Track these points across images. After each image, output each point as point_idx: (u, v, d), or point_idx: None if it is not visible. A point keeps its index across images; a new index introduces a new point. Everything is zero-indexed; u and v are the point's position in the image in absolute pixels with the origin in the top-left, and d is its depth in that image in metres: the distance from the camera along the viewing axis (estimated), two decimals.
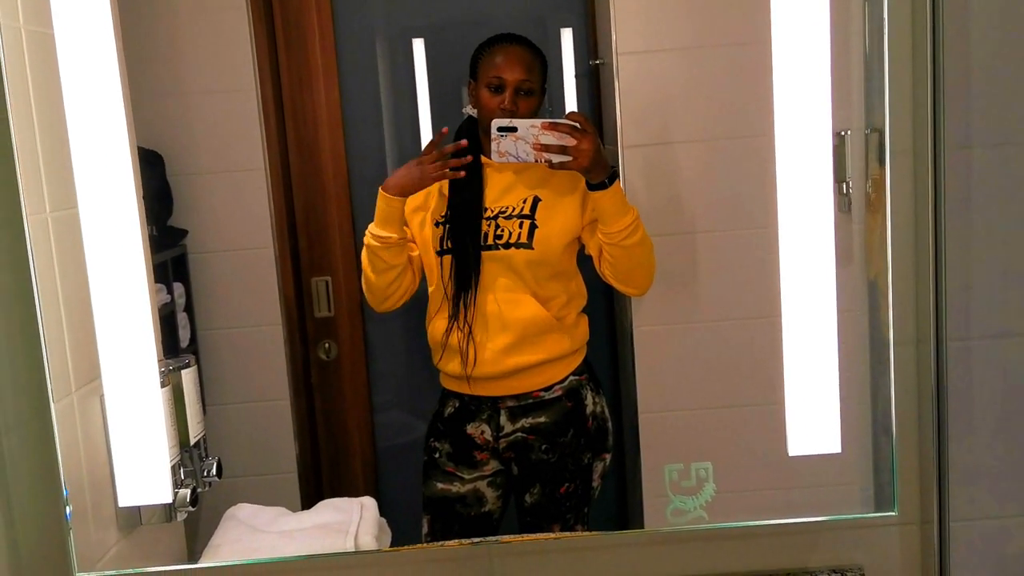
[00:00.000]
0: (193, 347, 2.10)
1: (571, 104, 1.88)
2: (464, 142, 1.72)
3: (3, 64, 1.01)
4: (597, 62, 2.18)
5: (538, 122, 1.62)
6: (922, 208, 1.11)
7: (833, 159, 1.52)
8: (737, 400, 1.96)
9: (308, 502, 2.11)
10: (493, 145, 1.63)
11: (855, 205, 1.43)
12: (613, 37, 1.90)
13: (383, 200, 1.72)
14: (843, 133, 1.47)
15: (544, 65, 1.78)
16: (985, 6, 1.18)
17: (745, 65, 1.85)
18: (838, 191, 1.52)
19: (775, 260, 1.24)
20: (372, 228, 1.74)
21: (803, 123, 1.12)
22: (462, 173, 1.71)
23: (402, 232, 1.72)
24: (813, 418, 1.07)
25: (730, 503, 1.59)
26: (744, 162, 1.87)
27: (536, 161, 1.63)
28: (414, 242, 1.80)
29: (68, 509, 1.07)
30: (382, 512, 1.68)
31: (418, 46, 2.34)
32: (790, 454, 1.06)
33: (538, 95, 1.76)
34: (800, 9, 1.09)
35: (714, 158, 1.91)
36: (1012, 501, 1.28)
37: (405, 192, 1.72)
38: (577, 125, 1.62)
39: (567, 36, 2.28)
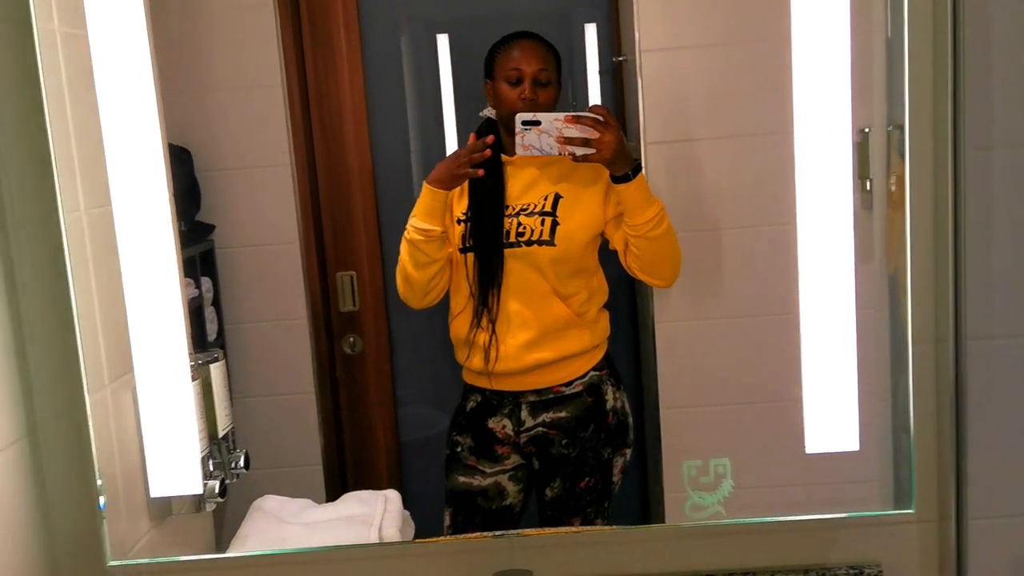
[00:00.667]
0: (220, 341, 2.13)
1: (595, 100, 1.89)
2: (491, 138, 1.73)
3: (40, 66, 1.04)
4: (620, 59, 2.18)
5: (561, 115, 1.63)
6: (942, 207, 1.11)
7: (856, 156, 1.52)
8: (758, 396, 1.96)
9: (332, 494, 2.13)
10: (517, 139, 1.64)
11: (877, 202, 1.44)
12: (636, 34, 1.90)
13: (427, 192, 1.73)
14: (866, 130, 1.47)
15: (559, 59, 1.80)
16: (1006, 6, 1.18)
17: (767, 62, 1.85)
18: (860, 188, 1.52)
19: (796, 257, 1.24)
20: (414, 222, 1.74)
21: (823, 120, 1.13)
22: (480, 172, 1.73)
23: (444, 226, 1.73)
24: (831, 416, 1.07)
25: (749, 499, 1.60)
26: (765, 159, 1.87)
27: (560, 154, 1.64)
28: None
29: (102, 499, 1.10)
30: (405, 505, 1.70)
31: (442, 41, 2.36)
32: (808, 451, 1.07)
33: (555, 87, 1.77)
34: (820, 6, 1.10)
35: (736, 155, 1.91)
36: None
37: (445, 185, 1.73)
38: (600, 118, 1.63)
39: (591, 31, 2.29)
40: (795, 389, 1.17)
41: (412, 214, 1.78)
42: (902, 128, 1.24)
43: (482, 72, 2.00)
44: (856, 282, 1.17)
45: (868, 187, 1.49)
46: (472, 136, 1.81)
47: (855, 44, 1.16)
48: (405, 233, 1.77)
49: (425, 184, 1.73)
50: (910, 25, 1.12)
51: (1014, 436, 1.25)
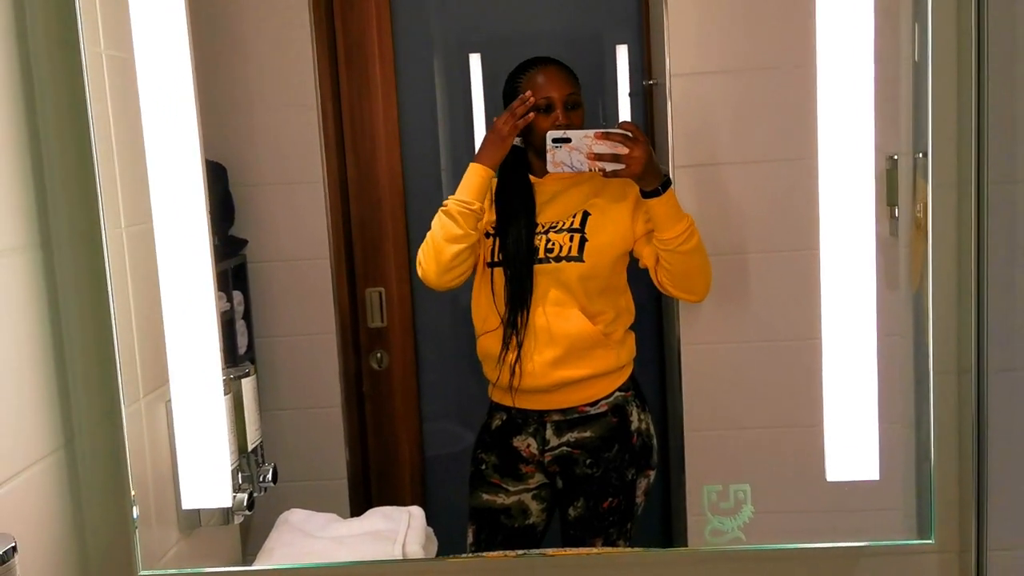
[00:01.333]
0: (250, 354, 2.16)
1: (620, 121, 1.90)
2: (529, 93, 1.74)
3: (87, 88, 1.08)
4: (651, 82, 2.20)
5: (591, 132, 1.65)
6: (965, 236, 1.11)
7: (885, 183, 1.52)
8: (781, 421, 1.96)
9: (357, 509, 2.15)
10: (548, 156, 1.66)
11: (903, 229, 1.44)
12: (667, 58, 1.92)
13: (474, 171, 1.74)
14: (894, 157, 1.47)
15: (579, 80, 1.81)
16: None
17: (794, 88, 1.86)
18: (889, 215, 1.52)
19: (820, 283, 1.25)
20: (457, 196, 1.75)
21: (847, 146, 1.13)
22: (531, 116, 1.73)
23: (483, 205, 1.74)
24: (852, 444, 1.08)
25: (770, 524, 1.59)
26: (792, 184, 1.88)
27: (590, 170, 1.66)
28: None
29: (135, 509, 1.13)
30: (428, 521, 1.71)
31: (475, 61, 2.39)
32: (828, 479, 1.07)
33: (583, 108, 1.78)
34: (845, 33, 1.11)
35: (763, 180, 1.92)
36: None
37: (491, 159, 1.74)
38: (629, 134, 1.65)
39: (623, 53, 2.31)
40: (818, 415, 1.18)
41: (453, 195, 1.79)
42: (927, 156, 1.25)
43: (514, 91, 2.02)
44: (882, 309, 1.17)
45: (895, 214, 1.50)
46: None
47: (882, 71, 1.17)
48: (442, 208, 1.77)
49: (472, 163, 1.74)
50: (934, 53, 1.13)
51: None
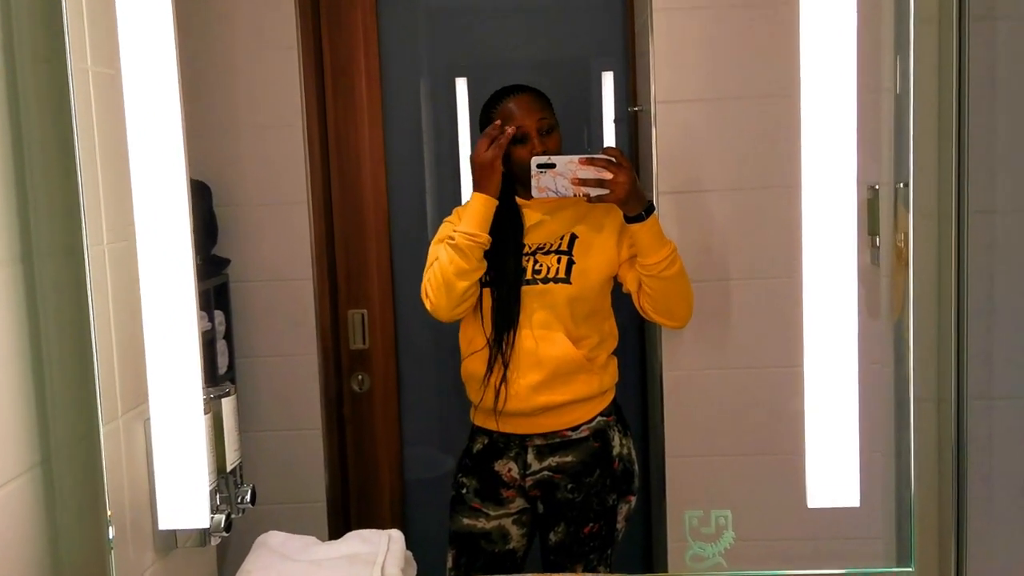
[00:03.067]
0: (231, 374, 2.15)
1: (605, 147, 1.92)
2: (498, 122, 1.73)
3: (73, 103, 1.07)
4: (636, 109, 2.22)
5: (575, 158, 1.65)
6: (945, 267, 1.13)
7: (867, 212, 1.54)
8: (763, 448, 1.96)
9: (336, 532, 2.13)
10: (533, 181, 1.66)
11: (884, 258, 1.45)
12: (652, 85, 1.94)
13: (478, 201, 1.72)
14: (876, 187, 1.49)
15: (551, 103, 1.81)
16: (1012, 71, 1.21)
17: (777, 117, 1.88)
18: (870, 244, 1.54)
19: (801, 310, 1.26)
20: (463, 229, 1.72)
21: (829, 176, 1.15)
22: (510, 132, 1.72)
23: (488, 235, 1.72)
24: (833, 471, 1.08)
25: (751, 550, 1.59)
26: (774, 212, 1.90)
27: (574, 195, 1.66)
28: None
29: (111, 530, 1.12)
30: (408, 545, 1.69)
31: (461, 85, 2.41)
32: (809, 506, 1.08)
33: (558, 130, 1.79)
34: (828, 65, 1.12)
35: (746, 207, 1.94)
36: None
37: (489, 187, 1.71)
38: (613, 159, 1.65)
39: (608, 80, 2.33)
40: (799, 442, 1.18)
41: (451, 220, 1.78)
42: (908, 186, 1.26)
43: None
44: (864, 337, 1.18)
45: (877, 243, 1.51)
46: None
47: (865, 102, 1.19)
48: (442, 237, 1.75)
49: (475, 193, 1.73)
50: (916, 85, 1.15)
51: (1014, 496, 1.25)
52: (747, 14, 1.91)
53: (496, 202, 1.72)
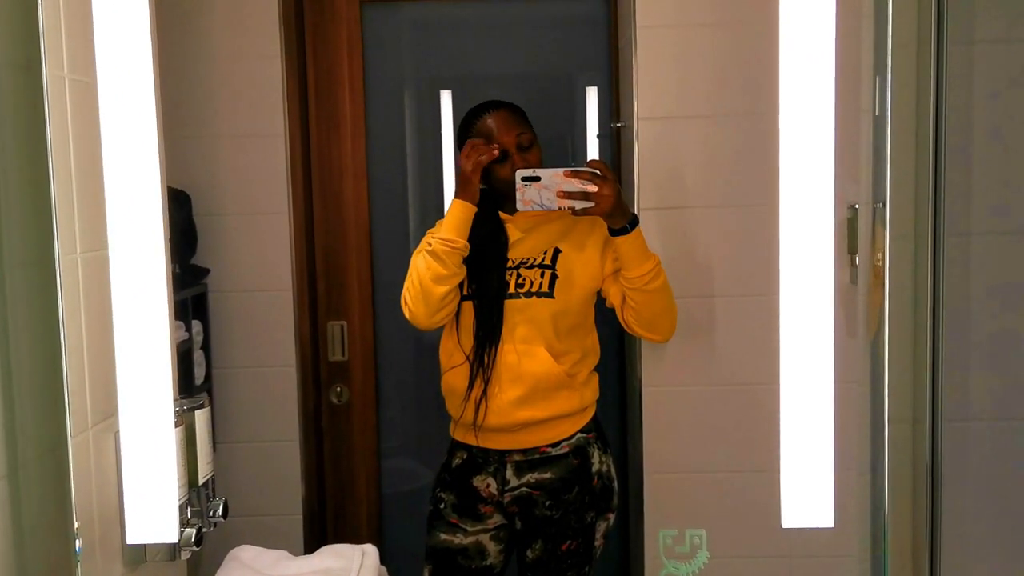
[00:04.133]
0: (207, 385, 2.13)
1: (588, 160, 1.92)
2: (480, 141, 1.73)
3: (47, 112, 1.06)
4: (618, 125, 2.23)
5: (560, 171, 1.65)
6: (921, 287, 1.13)
7: (847, 231, 1.54)
8: (741, 465, 1.96)
9: (312, 545, 2.12)
10: (518, 195, 1.65)
11: (862, 277, 1.46)
12: (635, 102, 1.95)
13: (456, 207, 1.71)
14: (855, 206, 1.49)
15: (528, 118, 1.81)
16: (987, 96, 1.22)
17: (760, 135, 1.90)
18: (849, 263, 1.54)
19: (779, 328, 1.26)
20: (440, 235, 1.72)
21: (807, 195, 1.15)
22: (495, 152, 1.71)
23: (466, 241, 1.71)
24: (808, 491, 1.08)
25: (727, 569, 1.59)
26: (755, 229, 1.90)
27: (560, 208, 1.66)
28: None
29: (78, 543, 1.10)
30: (384, 559, 1.67)
31: (445, 98, 2.41)
32: (784, 526, 1.08)
33: (538, 144, 1.78)
34: (807, 85, 1.13)
35: (727, 224, 1.95)
36: None
37: (466, 194, 1.71)
38: (598, 172, 1.65)
39: (592, 95, 2.34)
40: (776, 460, 1.18)
41: (434, 231, 1.76)
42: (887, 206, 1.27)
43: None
44: (841, 356, 1.18)
45: (856, 262, 1.51)
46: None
47: (844, 123, 1.19)
48: (423, 247, 1.74)
49: (454, 199, 1.73)
50: (893, 107, 1.16)
51: (988, 518, 1.26)
52: (729, 33, 1.92)
53: (475, 209, 1.71)
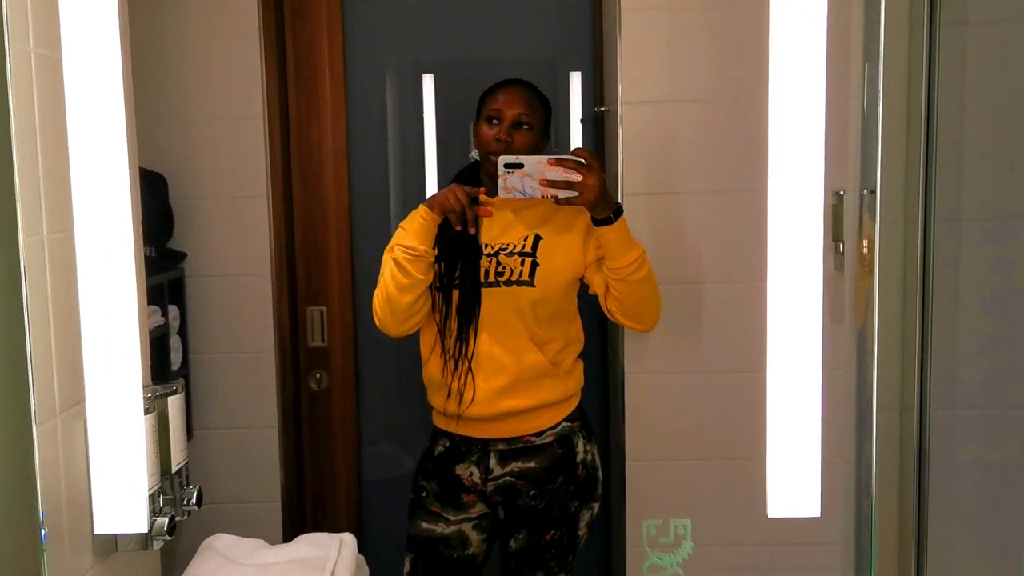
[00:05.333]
0: (184, 370, 2.09)
1: (574, 148, 1.89)
2: (483, 190, 1.72)
3: (8, 87, 1.02)
4: (602, 109, 2.20)
5: (544, 158, 1.62)
6: (911, 274, 1.12)
7: (832, 218, 1.52)
8: (727, 453, 1.95)
9: (291, 532, 2.09)
10: (500, 181, 1.62)
11: (848, 264, 1.44)
12: (619, 86, 1.92)
13: (420, 213, 1.69)
14: (840, 193, 1.47)
15: (546, 109, 1.79)
16: (980, 83, 1.20)
17: (745, 120, 1.87)
18: (834, 250, 1.53)
19: (766, 315, 1.24)
20: (403, 242, 1.69)
21: (796, 181, 1.13)
22: (491, 211, 1.71)
23: (430, 248, 1.69)
24: (794, 480, 1.06)
25: (712, 558, 1.58)
26: (741, 216, 1.88)
27: (543, 197, 1.62)
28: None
29: (44, 531, 1.07)
30: (364, 547, 1.65)
31: (428, 81, 2.37)
32: (770, 515, 1.06)
33: (537, 132, 1.75)
34: (796, 70, 1.10)
35: (712, 210, 1.92)
36: (990, 570, 1.27)
37: (438, 209, 1.67)
38: (583, 161, 1.62)
39: (576, 80, 2.31)
40: (762, 449, 1.16)
41: (404, 224, 1.73)
42: (875, 193, 1.25)
43: (466, 113, 2.00)
44: (827, 343, 1.16)
45: (840, 249, 1.50)
46: (454, 181, 1.79)
47: (833, 109, 1.17)
48: (389, 257, 1.71)
49: (421, 206, 1.70)
50: (885, 93, 1.13)
51: (975, 506, 1.25)
52: (717, 16, 1.89)
53: (440, 219, 1.68)
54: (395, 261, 1.68)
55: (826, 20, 1.11)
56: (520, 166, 1.61)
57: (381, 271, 1.74)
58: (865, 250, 1.32)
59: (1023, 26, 1.19)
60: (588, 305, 1.82)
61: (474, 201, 1.69)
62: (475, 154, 1.81)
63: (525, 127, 1.73)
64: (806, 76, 1.11)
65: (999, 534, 1.27)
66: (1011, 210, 1.23)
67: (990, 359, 1.25)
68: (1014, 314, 1.21)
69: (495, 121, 1.73)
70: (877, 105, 1.15)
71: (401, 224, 1.77)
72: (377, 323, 1.73)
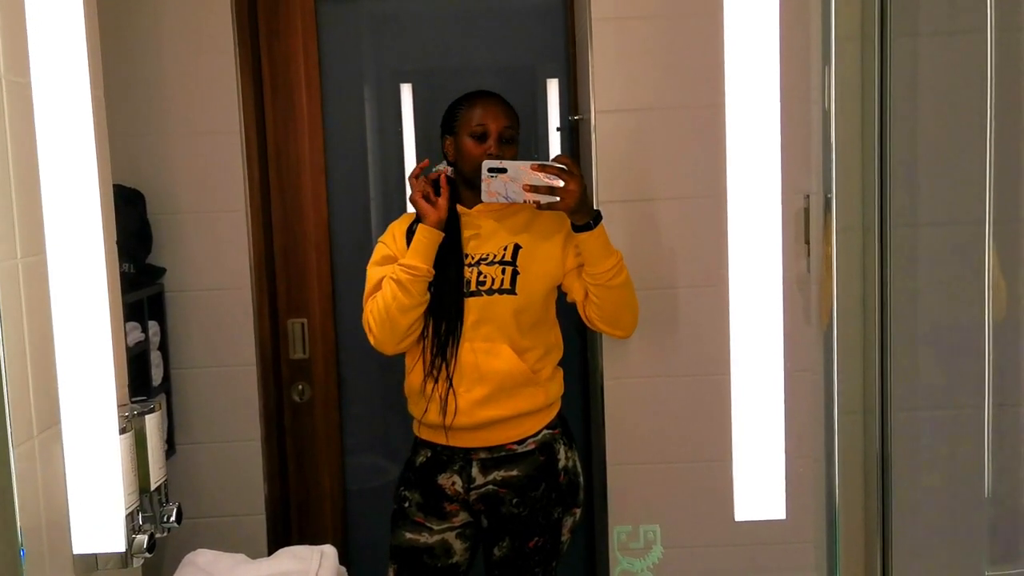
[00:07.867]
0: (166, 386, 2.10)
1: (554, 155, 1.91)
2: (426, 161, 1.74)
3: None
4: (576, 118, 2.22)
5: (527, 164, 1.64)
6: (869, 279, 1.14)
7: (803, 221, 1.55)
8: (698, 456, 1.97)
9: (276, 545, 2.10)
10: (484, 186, 1.64)
11: (815, 266, 1.46)
12: (592, 95, 1.94)
13: (420, 232, 1.69)
14: (808, 195, 1.50)
15: (519, 119, 1.81)
16: (932, 89, 1.22)
17: (712, 127, 1.88)
18: (806, 252, 1.55)
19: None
20: (405, 262, 1.70)
21: (755, 186, 1.15)
22: (440, 172, 1.73)
23: (432, 268, 1.70)
24: (760, 483, 1.08)
25: (683, 561, 1.59)
26: (711, 221, 1.90)
27: (525, 201, 1.64)
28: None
29: (23, 552, 1.08)
30: (350, 556, 1.66)
31: (406, 91, 2.39)
32: (736, 519, 1.08)
33: (517, 144, 1.79)
34: (751, 76, 1.13)
35: (683, 215, 1.95)
36: (954, 572, 1.29)
37: (427, 221, 1.69)
38: (565, 167, 1.64)
39: (553, 87, 2.33)
40: (729, 451, 1.19)
41: (383, 239, 1.76)
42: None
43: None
44: (797, 346, 1.18)
45: (810, 252, 1.52)
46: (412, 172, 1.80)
47: (795, 113, 1.19)
48: (391, 276, 1.71)
49: (421, 225, 1.70)
50: (838, 98, 1.16)
51: (939, 507, 1.27)
52: (686, 25, 1.91)
53: (441, 234, 1.70)
54: (398, 282, 1.69)
55: (780, 27, 1.13)
56: (503, 171, 1.63)
57: (369, 282, 1.74)
58: (830, 253, 1.35)
59: (972, 36, 1.22)
60: (566, 313, 1.84)
61: (425, 172, 1.73)
62: (442, 166, 1.81)
63: (510, 141, 1.75)
64: (762, 82, 1.13)
65: (961, 531, 1.30)
66: (963, 216, 1.26)
67: (947, 360, 1.28)
68: (970, 316, 1.23)
69: (482, 136, 1.74)
70: (831, 112, 1.18)
71: (381, 239, 1.78)
72: (372, 342, 1.74)
